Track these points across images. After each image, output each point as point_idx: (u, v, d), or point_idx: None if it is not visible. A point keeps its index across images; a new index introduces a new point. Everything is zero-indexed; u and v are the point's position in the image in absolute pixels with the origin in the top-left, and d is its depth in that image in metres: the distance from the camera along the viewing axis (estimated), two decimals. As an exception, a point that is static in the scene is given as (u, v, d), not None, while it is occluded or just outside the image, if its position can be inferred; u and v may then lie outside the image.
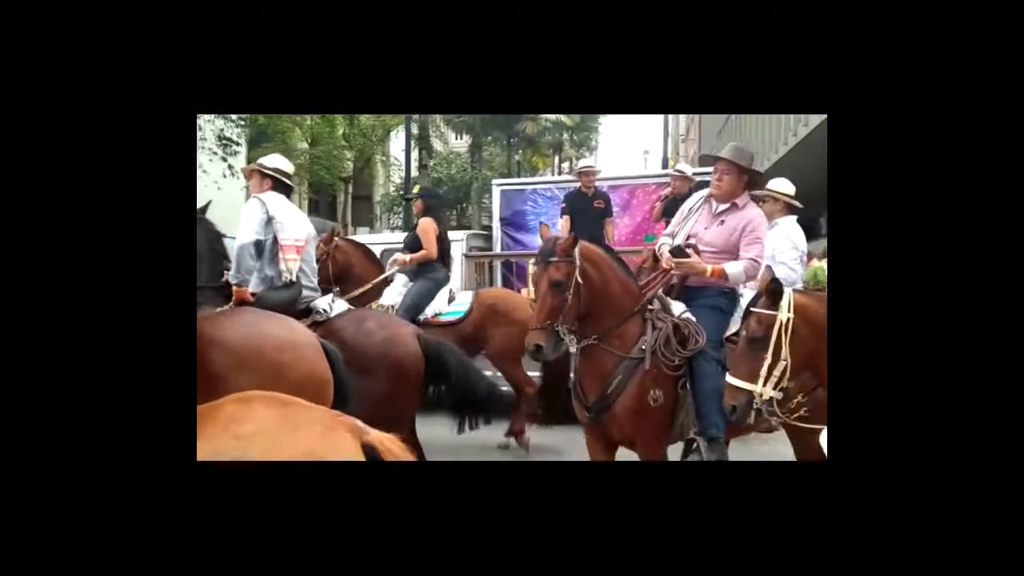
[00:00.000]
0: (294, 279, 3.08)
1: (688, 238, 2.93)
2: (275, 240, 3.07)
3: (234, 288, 2.99)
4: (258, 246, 3.05)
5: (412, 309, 4.25)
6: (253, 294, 2.98)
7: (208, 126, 11.56)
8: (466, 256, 6.10)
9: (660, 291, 2.85)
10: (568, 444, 4.06)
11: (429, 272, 4.38)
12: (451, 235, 6.71)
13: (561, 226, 5.66)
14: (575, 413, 2.85)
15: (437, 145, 20.85)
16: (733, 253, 2.84)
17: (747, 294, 2.67)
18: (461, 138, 25.50)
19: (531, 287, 2.85)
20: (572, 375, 2.78)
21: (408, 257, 4.49)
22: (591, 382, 2.71)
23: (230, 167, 12.76)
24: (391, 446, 1.67)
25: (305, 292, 3.16)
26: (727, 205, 2.91)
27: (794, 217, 3.74)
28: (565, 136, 22.90)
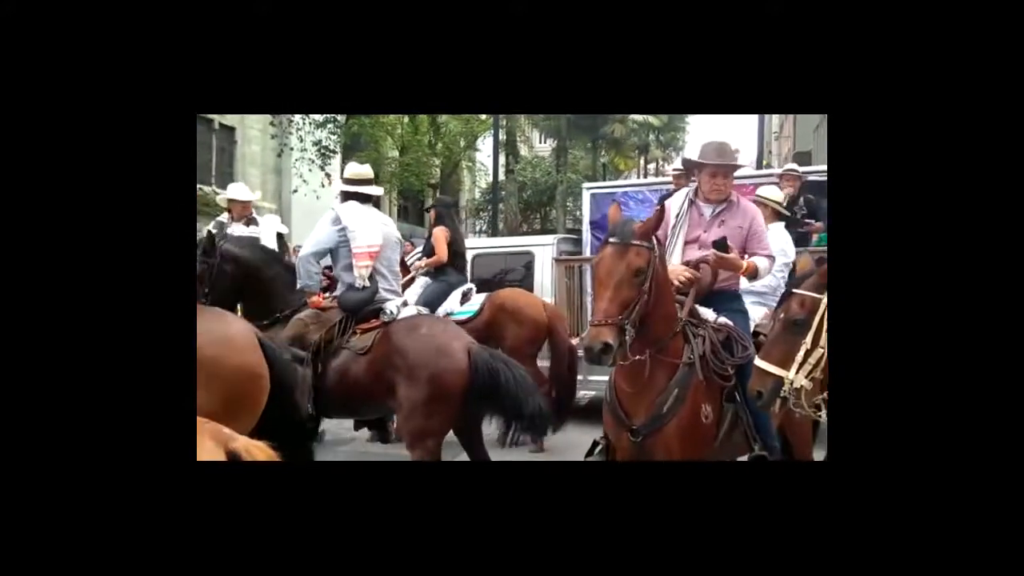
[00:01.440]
0: (366, 284, 3.21)
1: (686, 243, 2.78)
2: (348, 248, 3.21)
3: (307, 295, 3.16)
4: (320, 256, 3.22)
5: (424, 308, 4.42)
6: (334, 297, 3.14)
7: (308, 137, 12.06)
8: (556, 260, 6.07)
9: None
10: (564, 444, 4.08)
11: (443, 275, 4.64)
12: (540, 238, 6.79)
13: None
14: (612, 434, 2.54)
15: (522, 150, 20.96)
16: (741, 251, 2.73)
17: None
18: (545, 142, 25.56)
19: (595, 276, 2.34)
20: (607, 393, 2.51)
21: (424, 261, 4.80)
22: (639, 400, 2.37)
23: (328, 176, 13.32)
24: (257, 453, 1.64)
25: (383, 293, 3.29)
26: (723, 205, 2.80)
27: (782, 224, 3.76)
28: (651, 137, 22.49)
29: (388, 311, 3.17)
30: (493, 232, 12.03)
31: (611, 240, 2.25)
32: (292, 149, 12.12)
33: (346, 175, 3.50)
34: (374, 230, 3.32)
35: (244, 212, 4.69)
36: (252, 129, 14.89)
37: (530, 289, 6.10)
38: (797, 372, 2.02)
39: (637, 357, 2.29)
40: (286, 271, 3.42)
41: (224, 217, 4.82)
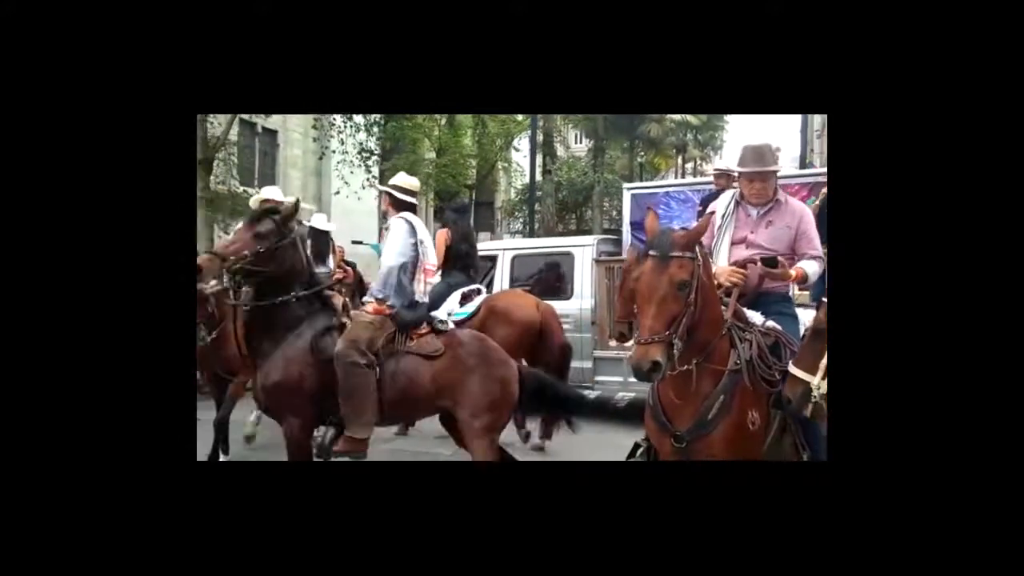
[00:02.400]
0: (424, 300, 3.25)
1: (733, 244, 2.75)
2: (417, 263, 3.20)
3: (373, 303, 3.13)
4: (404, 268, 3.15)
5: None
6: (391, 306, 3.11)
7: (349, 140, 12.22)
8: (596, 261, 6.03)
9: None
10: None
11: (445, 276, 4.70)
12: (580, 239, 6.76)
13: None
14: (654, 438, 2.51)
15: (559, 150, 20.92)
16: (790, 252, 2.68)
17: None
18: (581, 141, 25.45)
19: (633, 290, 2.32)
20: (649, 397, 2.47)
21: None
22: (684, 406, 2.32)
23: (372, 177, 13.49)
24: None
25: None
26: (770, 205, 2.76)
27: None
28: (689, 136, 22.21)
29: (440, 321, 3.24)
30: (530, 232, 12.02)
31: (651, 253, 2.17)
32: (334, 152, 12.30)
33: (403, 185, 3.45)
34: (433, 247, 3.40)
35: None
36: (294, 132, 15.17)
37: (569, 291, 6.09)
38: (822, 378, 2.06)
39: (685, 367, 2.23)
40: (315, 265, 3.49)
41: None
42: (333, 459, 3.11)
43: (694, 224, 5.65)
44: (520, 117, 16.37)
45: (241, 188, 11.66)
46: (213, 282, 3.18)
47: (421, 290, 3.23)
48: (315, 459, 3.12)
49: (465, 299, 3.54)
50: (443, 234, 4.82)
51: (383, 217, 3.46)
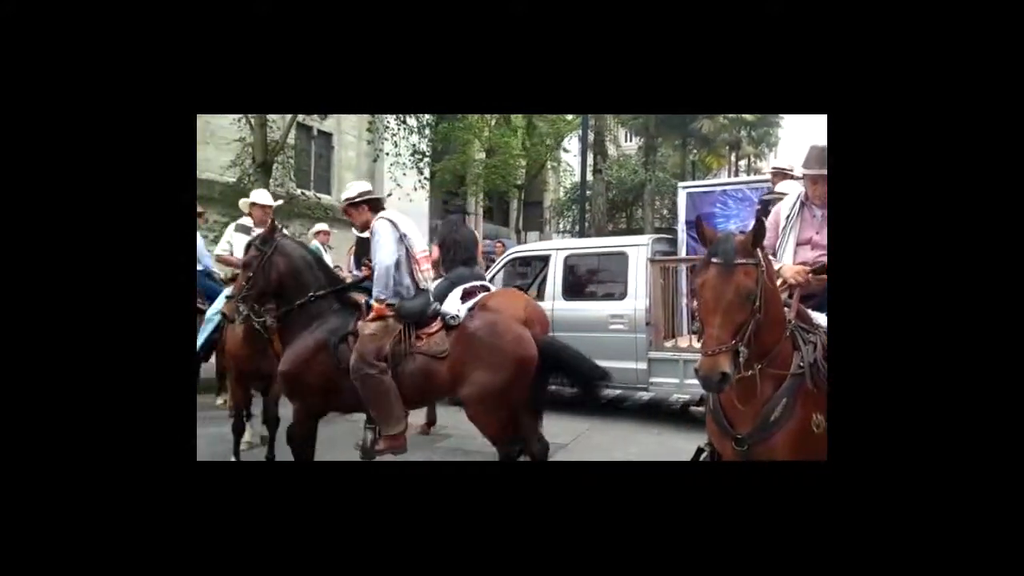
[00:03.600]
0: (425, 287, 3.38)
1: (798, 244, 2.70)
2: (408, 255, 3.36)
3: (374, 304, 3.24)
4: (397, 264, 3.31)
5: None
6: (390, 305, 3.25)
7: (403, 142, 12.41)
8: (651, 260, 5.95)
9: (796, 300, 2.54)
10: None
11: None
12: (634, 239, 6.67)
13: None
14: (716, 442, 2.47)
15: (609, 149, 20.76)
16: None
17: None
18: (630, 140, 25.17)
19: (698, 297, 2.22)
20: (710, 400, 2.42)
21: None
22: (746, 410, 2.26)
23: (424, 179, 13.66)
24: None
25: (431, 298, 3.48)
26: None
27: None
28: (743, 133, 21.71)
29: (451, 315, 3.30)
30: (581, 232, 11.96)
31: (714, 260, 2.10)
32: (387, 154, 12.52)
33: (357, 192, 3.51)
34: (420, 235, 3.49)
35: (264, 216, 4.81)
36: (348, 136, 15.50)
37: (624, 291, 6.03)
38: None
39: (748, 372, 2.17)
40: (325, 273, 3.57)
41: (247, 220, 5.01)
42: (377, 459, 3.33)
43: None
44: (571, 116, 16.33)
45: (298, 191, 11.98)
46: (238, 319, 3.64)
47: (420, 278, 3.38)
48: (361, 460, 3.40)
49: (468, 296, 3.63)
50: (434, 252, 4.94)
51: (362, 228, 3.57)
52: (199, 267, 5.22)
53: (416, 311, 3.28)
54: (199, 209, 5.56)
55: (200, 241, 5.41)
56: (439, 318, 3.32)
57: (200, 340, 4.52)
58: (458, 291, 3.89)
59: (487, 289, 4.41)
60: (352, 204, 3.50)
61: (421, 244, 3.45)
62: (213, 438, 4.51)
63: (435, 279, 4.29)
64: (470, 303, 3.59)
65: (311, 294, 3.35)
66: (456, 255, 5.08)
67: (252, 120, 9.06)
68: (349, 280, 3.95)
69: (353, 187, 3.60)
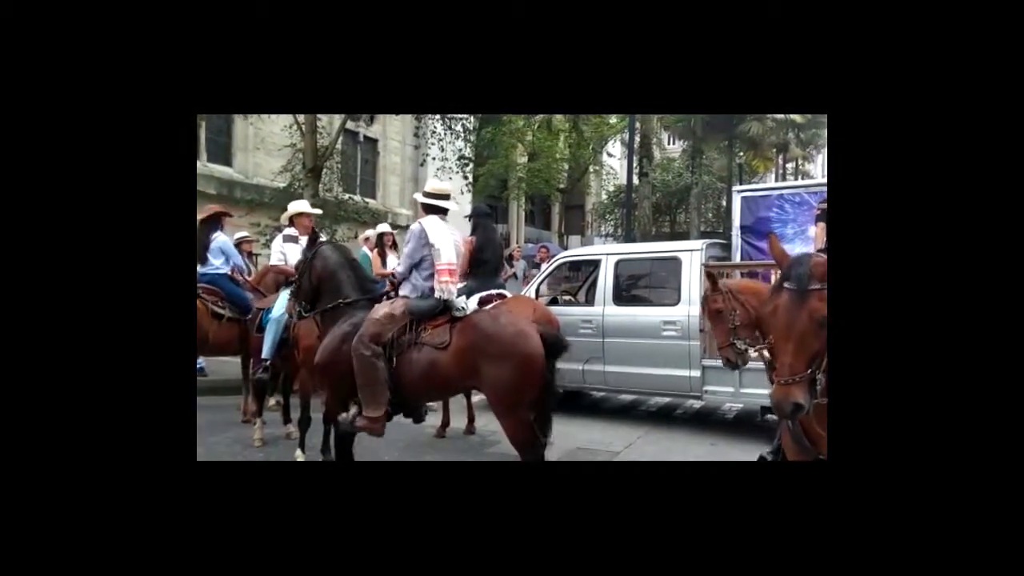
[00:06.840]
0: (440, 297, 3.48)
1: None
2: (432, 262, 3.53)
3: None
4: (418, 265, 3.57)
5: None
6: (406, 296, 3.54)
7: (449, 147, 12.51)
8: (705, 266, 5.83)
9: None
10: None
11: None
12: (687, 244, 6.55)
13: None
14: (792, 454, 2.31)
15: (655, 152, 20.56)
16: None
17: None
18: (674, 143, 24.85)
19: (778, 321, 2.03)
20: (789, 424, 2.26)
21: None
22: (826, 434, 2.09)
23: (469, 184, 13.74)
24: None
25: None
26: None
27: None
28: (791, 135, 21.20)
29: (459, 308, 3.45)
30: (626, 236, 11.83)
31: (787, 286, 2.00)
32: (434, 159, 12.63)
33: (428, 189, 3.74)
34: (452, 247, 3.61)
35: (312, 224, 5.02)
36: (393, 140, 15.68)
37: (676, 297, 5.92)
38: None
39: (826, 400, 2.03)
40: (355, 273, 3.90)
41: (291, 230, 5.15)
42: (353, 432, 3.56)
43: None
44: (614, 119, 16.19)
45: (346, 195, 12.16)
46: (295, 316, 4.15)
47: (439, 288, 3.50)
48: (343, 432, 3.63)
49: (484, 303, 3.69)
50: (469, 242, 4.96)
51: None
52: (224, 269, 5.42)
53: (423, 311, 3.45)
54: (223, 209, 5.72)
55: (227, 241, 5.59)
56: (447, 312, 3.47)
57: (268, 342, 4.66)
58: (475, 299, 3.95)
59: (503, 297, 4.44)
60: (423, 205, 3.78)
61: (449, 256, 3.55)
62: (230, 440, 4.65)
63: (461, 284, 4.42)
64: (477, 300, 3.68)
65: (339, 300, 3.72)
66: (489, 257, 5.11)
67: (303, 126, 9.22)
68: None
69: (429, 183, 3.87)
